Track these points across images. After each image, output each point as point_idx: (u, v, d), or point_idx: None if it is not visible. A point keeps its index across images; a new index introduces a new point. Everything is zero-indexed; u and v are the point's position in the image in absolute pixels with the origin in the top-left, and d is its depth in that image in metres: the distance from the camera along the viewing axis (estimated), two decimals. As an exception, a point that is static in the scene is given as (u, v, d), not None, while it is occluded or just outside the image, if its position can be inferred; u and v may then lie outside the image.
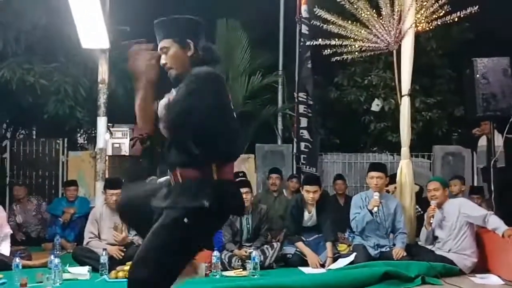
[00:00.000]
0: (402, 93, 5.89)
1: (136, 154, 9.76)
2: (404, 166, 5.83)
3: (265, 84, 9.75)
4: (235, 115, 2.36)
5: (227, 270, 4.99)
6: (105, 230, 5.27)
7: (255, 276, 4.73)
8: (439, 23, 5.82)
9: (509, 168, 6.70)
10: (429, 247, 5.16)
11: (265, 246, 5.33)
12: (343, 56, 6.13)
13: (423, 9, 5.79)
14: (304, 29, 8.13)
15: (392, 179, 6.02)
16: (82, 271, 4.76)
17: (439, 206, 5.10)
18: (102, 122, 6.40)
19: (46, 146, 8.72)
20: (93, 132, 9.75)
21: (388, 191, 5.86)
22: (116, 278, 4.58)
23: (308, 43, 7.37)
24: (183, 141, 2.21)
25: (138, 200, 2.47)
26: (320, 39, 6.25)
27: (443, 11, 5.75)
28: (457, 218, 4.97)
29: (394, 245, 5.23)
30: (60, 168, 8.59)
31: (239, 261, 5.13)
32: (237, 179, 5.69)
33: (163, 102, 2.34)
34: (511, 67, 5.42)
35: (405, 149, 5.91)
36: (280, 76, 9.73)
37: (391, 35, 5.87)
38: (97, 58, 6.41)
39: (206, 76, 2.20)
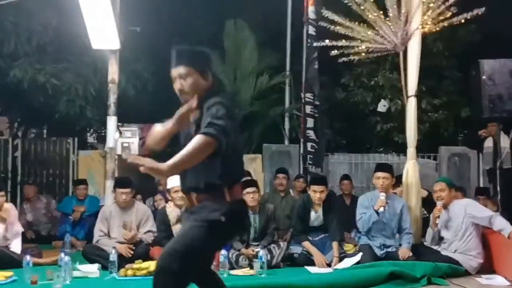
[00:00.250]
0: (409, 94, 5.89)
1: (145, 153, 9.80)
2: (410, 167, 5.81)
3: (272, 85, 9.79)
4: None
5: (234, 269, 5.02)
6: (114, 229, 5.31)
7: (262, 275, 4.75)
8: (445, 24, 5.81)
9: (515, 170, 6.69)
10: (435, 247, 5.17)
11: (272, 245, 5.36)
12: (350, 57, 6.12)
13: (430, 11, 5.76)
14: (311, 30, 8.15)
15: (398, 179, 5.98)
16: (91, 269, 4.81)
17: (445, 206, 5.09)
18: (112, 121, 6.45)
19: (57, 145, 8.82)
20: (103, 131, 9.83)
21: (395, 193, 5.86)
22: (125, 276, 4.64)
23: (315, 44, 7.39)
24: (215, 160, 2.41)
25: None
26: (327, 40, 6.26)
27: (450, 13, 5.73)
28: (463, 219, 4.97)
29: (400, 245, 5.23)
30: (71, 167, 8.69)
31: (246, 260, 5.16)
32: (244, 179, 5.72)
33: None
34: (517, 69, 5.42)
35: (411, 150, 5.89)
36: (288, 77, 9.76)
37: (397, 37, 5.86)
38: (107, 58, 6.46)
39: (227, 102, 2.49)
